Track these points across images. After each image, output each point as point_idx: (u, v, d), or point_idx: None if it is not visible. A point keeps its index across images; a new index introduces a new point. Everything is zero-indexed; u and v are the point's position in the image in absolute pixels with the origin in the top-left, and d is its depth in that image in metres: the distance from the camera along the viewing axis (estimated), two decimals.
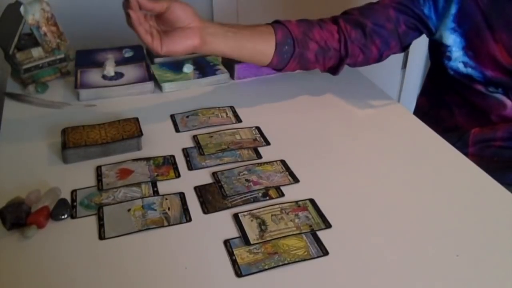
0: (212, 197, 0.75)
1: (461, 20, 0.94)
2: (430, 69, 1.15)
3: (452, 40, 0.96)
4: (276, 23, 0.97)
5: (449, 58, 0.98)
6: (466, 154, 0.88)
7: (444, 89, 1.06)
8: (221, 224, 0.70)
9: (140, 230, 0.68)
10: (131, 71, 1.10)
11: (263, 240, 0.67)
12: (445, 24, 0.95)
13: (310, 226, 0.70)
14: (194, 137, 0.90)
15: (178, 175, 0.80)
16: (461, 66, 0.97)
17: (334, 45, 0.97)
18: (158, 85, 1.08)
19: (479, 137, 1.00)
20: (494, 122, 0.99)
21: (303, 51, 0.96)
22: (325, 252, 0.65)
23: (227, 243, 0.66)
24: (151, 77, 1.08)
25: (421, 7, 0.96)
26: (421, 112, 1.11)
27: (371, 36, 0.97)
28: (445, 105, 1.07)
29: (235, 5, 1.70)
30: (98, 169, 0.81)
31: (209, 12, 1.68)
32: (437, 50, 1.00)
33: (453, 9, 0.94)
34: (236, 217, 0.71)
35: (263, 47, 0.94)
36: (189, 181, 0.79)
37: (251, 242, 0.66)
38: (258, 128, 0.93)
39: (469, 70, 0.96)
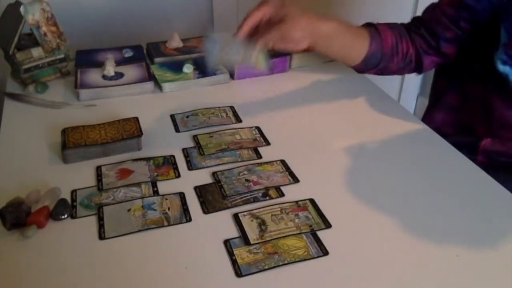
0: (212, 197, 0.75)
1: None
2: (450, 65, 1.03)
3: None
4: (373, 30, 0.96)
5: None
6: (474, 160, 0.85)
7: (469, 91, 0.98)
8: (221, 224, 0.70)
9: (140, 230, 0.68)
10: (131, 71, 1.10)
11: (263, 240, 0.67)
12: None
13: (310, 226, 0.70)
14: (194, 137, 0.90)
15: (178, 175, 0.80)
16: (499, 63, 0.87)
17: (414, 59, 0.98)
18: (158, 85, 1.08)
19: (490, 148, 0.95)
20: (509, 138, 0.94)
21: (387, 65, 0.98)
22: (325, 252, 0.65)
23: (227, 243, 0.66)
24: (151, 77, 1.08)
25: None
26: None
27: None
28: (462, 108, 1.00)
29: (235, 5, 1.70)
30: (98, 169, 0.81)
31: (209, 12, 1.68)
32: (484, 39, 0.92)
33: None
34: (236, 217, 0.71)
35: (356, 53, 0.95)
36: (189, 181, 0.79)
37: (251, 242, 0.66)
38: (258, 128, 0.93)
39: (506, 69, 0.87)
